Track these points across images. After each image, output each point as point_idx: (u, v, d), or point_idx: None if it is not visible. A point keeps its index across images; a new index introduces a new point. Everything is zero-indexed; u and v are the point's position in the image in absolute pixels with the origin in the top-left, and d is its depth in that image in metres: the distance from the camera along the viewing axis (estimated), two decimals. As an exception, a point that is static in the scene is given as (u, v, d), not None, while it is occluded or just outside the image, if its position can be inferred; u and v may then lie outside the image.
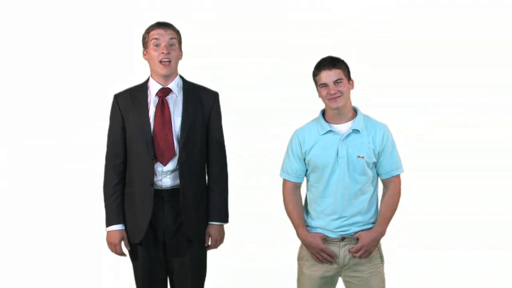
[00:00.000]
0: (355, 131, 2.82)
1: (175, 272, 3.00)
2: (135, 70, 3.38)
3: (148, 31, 2.93)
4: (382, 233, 2.88)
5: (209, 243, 3.05)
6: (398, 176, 2.92)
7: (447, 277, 4.20)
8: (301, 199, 2.98)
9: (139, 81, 3.03)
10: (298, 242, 3.02)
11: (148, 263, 2.97)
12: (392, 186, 2.90)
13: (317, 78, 2.82)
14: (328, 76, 2.77)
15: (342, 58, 2.85)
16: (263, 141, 4.31)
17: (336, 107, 2.78)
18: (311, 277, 2.91)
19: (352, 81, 2.85)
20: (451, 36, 4.42)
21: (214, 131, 3.01)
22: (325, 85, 2.78)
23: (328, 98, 2.78)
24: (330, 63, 2.79)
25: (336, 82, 2.77)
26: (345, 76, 2.80)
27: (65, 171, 4.38)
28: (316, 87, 2.86)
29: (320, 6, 4.48)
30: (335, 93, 2.76)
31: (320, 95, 2.85)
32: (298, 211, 2.92)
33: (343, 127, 2.83)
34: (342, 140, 2.81)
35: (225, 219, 3.05)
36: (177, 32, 2.95)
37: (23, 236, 4.33)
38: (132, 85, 3.03)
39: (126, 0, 4.40)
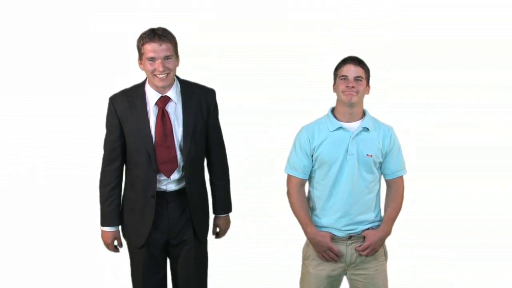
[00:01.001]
0: (365, 129, 2.84)
1: (179, 269, 3.00)
2: (134, 70, 3.37)
3: (142, 42, 2.76)
4: (389, 233, 2.91)
5: (217, 231, 3.18)
6: (401, 178, 2.95)
7: (447, 277, 4.19)
8: (305, 196, 2.97)
9: (137, 80, 2.98)
10: (297, 242, 3.02)
11: (148, 264, 2.96)
12: (396, 187, 2.93)
13: (339, 70, 2.85)
14: (351, 70, 2.81)
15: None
16: (263, 141, 4.31)
17: (350, 101, 2.78)
18: (317, 277, 2.91)
19: (369, 86, 2.88)
20: (451, 36, 4.43)
21: (213, 129, 3.00)
22: (345, 77, 2.81)
23: (344, 90, 2.80)
24: (356, 59, 2.85)
25: (357, 78, 2.80)
26: (365, 78, 2.83)
27: (64, 171, 4.39)
28: (335, 80, 2.88)
29: (320, 6, 4.48)
30: (353, 87, 2.78)
31: (336, 89, 2.86)
32: (305, 209, 2.91)
33: (354, 125, 2.84)
34: (353, 138, 2.81)
35: (230, 209, 3.16)
36: (173, 42, 2.79)
37: (24, 236, 4.34)
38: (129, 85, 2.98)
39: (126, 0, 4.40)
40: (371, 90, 2.89)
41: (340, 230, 2.86)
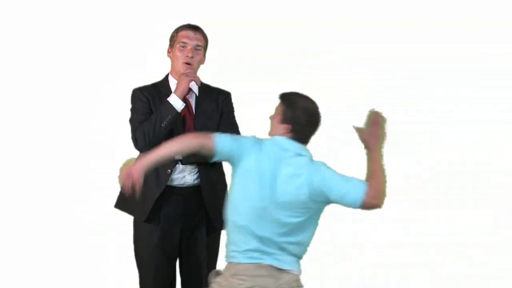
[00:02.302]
0: None
1: (190, 270, 2.99)
2: (138, 70, 3.37)
3: (177, 30, 2.95)
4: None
5: None
6: None
7: (448, 277, 4.20)
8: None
9: (142, 81, 3.03)
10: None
11: (161, 265, 2.95)
12: None
13: None
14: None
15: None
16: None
17: None
18: None
19: (276, 116, 2.56)
20: (451, 36, 4.43)
21: (226, 125, 3.01)
22: None
23: None
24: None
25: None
26: (277, 113, 2.57)
27: (64, 171, 4.39)
28: None
29: (321, 6, 4.48)
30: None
31: None
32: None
33: None
34: None
35: None
36: (205, 39, 2.99)
37: (24, 237, 4.34)
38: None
39: (125, 0, 4.40)
40: (369, 90, 2.73)
41: None
